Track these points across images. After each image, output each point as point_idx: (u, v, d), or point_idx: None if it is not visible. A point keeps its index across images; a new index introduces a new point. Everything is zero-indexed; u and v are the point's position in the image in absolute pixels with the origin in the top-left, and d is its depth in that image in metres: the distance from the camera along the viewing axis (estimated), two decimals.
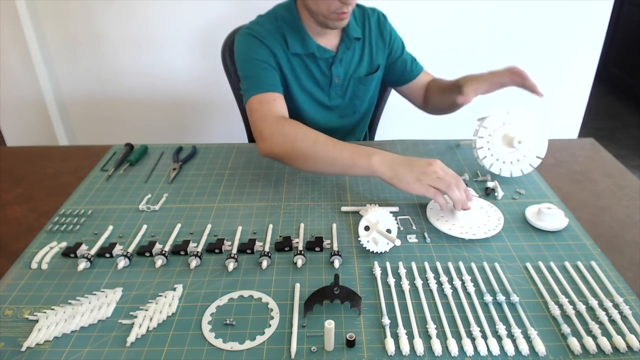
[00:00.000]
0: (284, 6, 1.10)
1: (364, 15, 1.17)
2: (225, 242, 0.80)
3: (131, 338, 0.62)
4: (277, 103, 1.01)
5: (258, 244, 0.80)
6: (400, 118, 1.81)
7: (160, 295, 0.70)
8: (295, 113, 1.13)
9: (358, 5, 1.17)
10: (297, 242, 0.80)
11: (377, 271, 0.73)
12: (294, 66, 1.10)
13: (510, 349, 0.60)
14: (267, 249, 0.79)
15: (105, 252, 0.78)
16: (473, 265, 0.75)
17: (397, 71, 1.23)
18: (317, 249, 0.79)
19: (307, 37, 1.08)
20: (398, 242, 0.74)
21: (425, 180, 0.81)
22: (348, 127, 1.26)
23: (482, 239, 0.81)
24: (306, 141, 0.91)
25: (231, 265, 0.75)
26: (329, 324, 0.59)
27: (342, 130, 1.25)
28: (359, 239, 0.77)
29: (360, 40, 1.15)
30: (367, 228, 0.78)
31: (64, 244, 0.81)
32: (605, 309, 0.66)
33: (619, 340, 0.61)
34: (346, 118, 1.23)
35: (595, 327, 0.63)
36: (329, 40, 1.12)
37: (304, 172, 1.01)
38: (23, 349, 0.61)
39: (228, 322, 0.65)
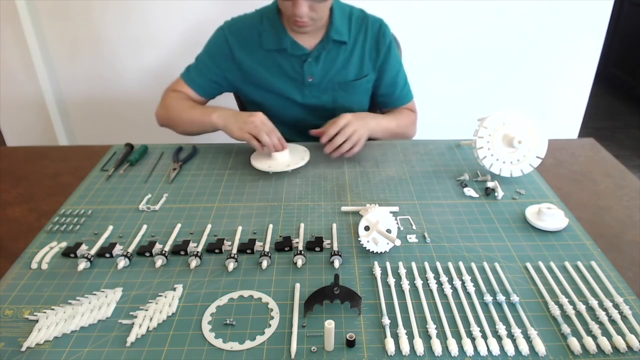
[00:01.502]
0: (274, 3, 1.13)
1: (362, 21, 1.15)
2: (225, 242, 0.80)
3: (131, 338, 0.62)
4: (188, 93, 1.19)
5: (258, 244, 0.80)
6: None
7: (160, 295, 0.70)
8: (257, 105, 1.20)
9: (362, 12, 1.16)
10: (297, 242, 0.80)
11: (377, 271, 0.73)
12: (261, 61, 1.14)
13: (510, 349, 0.60)
14: (267, 249, 0.79)
15: (105, 252, 0.78)
16: (473, 265, 0.75)
17: (383, 92, 1.22)
18: (317, 249, 0.79)
19: (282, 34, 1.11)
20: (398, 242, 0.74)
21: (244, 128, 1.01)
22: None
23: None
24: (177, 108, 1.14)
25: (231, 265, 0.75)
26: (329, 324, 0.59)
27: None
28: (359, 239, 0.77)
29: (346, 45, 1.14)
30: (367, 228, 0.78)
31: (64, 244, 0.81)
32: (605, 309, 0.66)
33: (619, 340, 0.61)
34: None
35: (595, 327, 0.63)
36: (308, 40, 1.13)
37: (185, 134, 1.18)
38: (23, 349, 0.61)
39: (228, 322, 0.65)
